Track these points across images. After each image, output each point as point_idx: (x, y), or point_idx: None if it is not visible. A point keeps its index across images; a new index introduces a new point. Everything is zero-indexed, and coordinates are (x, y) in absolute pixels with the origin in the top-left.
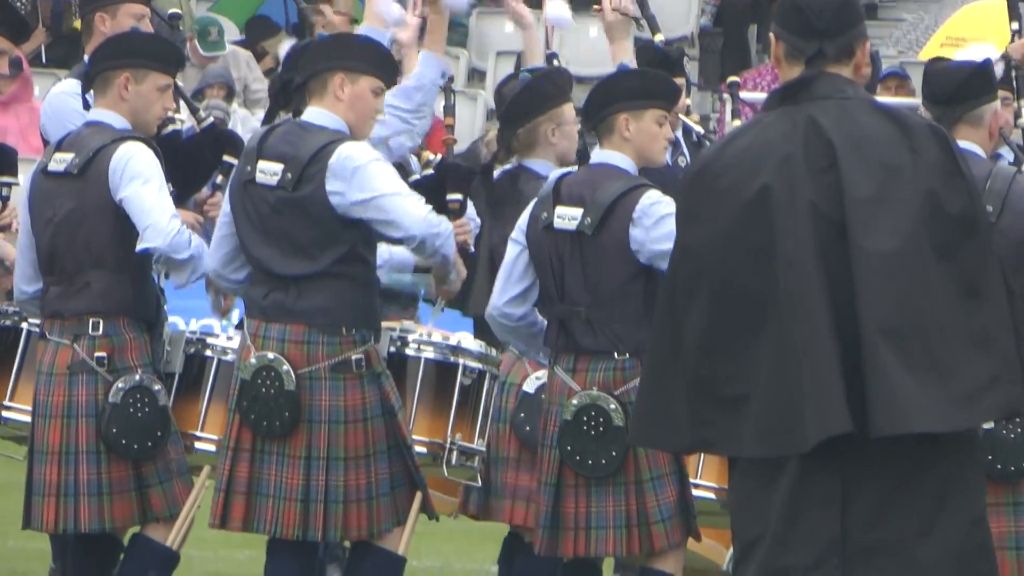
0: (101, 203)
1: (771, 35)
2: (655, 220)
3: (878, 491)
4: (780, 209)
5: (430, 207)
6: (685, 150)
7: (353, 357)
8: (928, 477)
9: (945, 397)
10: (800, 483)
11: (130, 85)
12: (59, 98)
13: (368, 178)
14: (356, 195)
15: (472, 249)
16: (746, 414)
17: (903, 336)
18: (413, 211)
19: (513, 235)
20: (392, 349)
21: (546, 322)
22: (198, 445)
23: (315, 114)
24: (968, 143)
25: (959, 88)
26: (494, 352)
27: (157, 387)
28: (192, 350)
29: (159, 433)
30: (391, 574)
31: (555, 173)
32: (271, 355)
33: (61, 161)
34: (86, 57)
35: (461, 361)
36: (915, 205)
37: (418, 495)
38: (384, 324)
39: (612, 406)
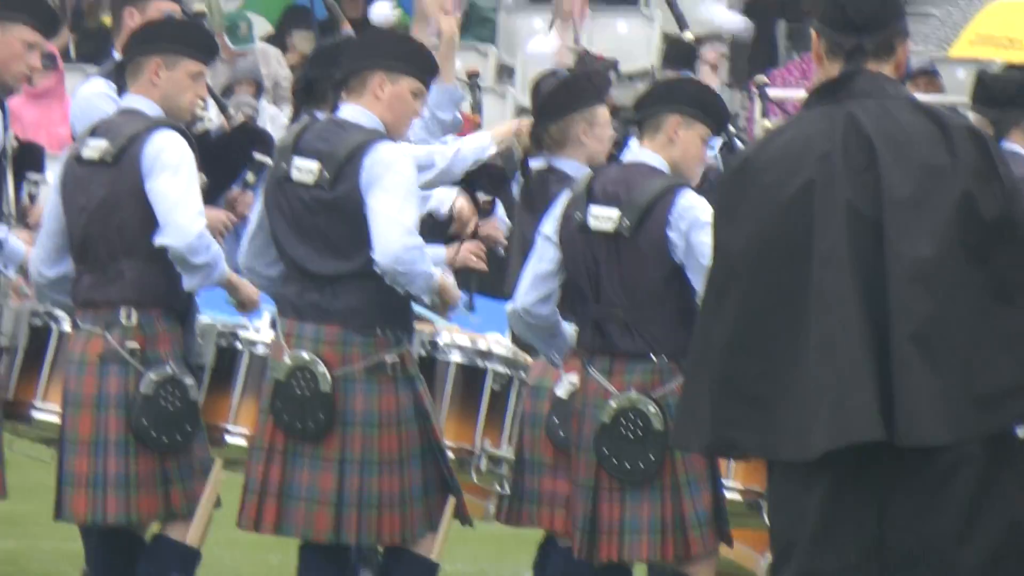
0: (134, 191)
1: (812, 31)
2: (690, 223)
3: (915, 495)
4: (818, 206)
5: (415, 244)
6: (715, 146)
7: (388, 359)
8: (964, 480)
9: (969, 402)
10: (837, 486)
11: (161, 71)
12: (87, 99)
13: (377, 185)
14: (367, 198)
15: (502, 251)
16: (773, 414)
17: (933, 342)
18: (389, 239)
19: (544, 230)
20: (421, 352)
21: (562, 322)
22: (229, 438)
23: (352, 111)
24: (1017, 146)
25: (1018, 93)
26: (523, 356)
27: (189, 380)
28: (223, 342)
29: (188, 427)
30: None
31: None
32: (307, 355)
33: (95, 148)
34: (115, 53)
35: (490, 365)
36: (952, 208)
37: (451, 500)
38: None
39: (652, 409)
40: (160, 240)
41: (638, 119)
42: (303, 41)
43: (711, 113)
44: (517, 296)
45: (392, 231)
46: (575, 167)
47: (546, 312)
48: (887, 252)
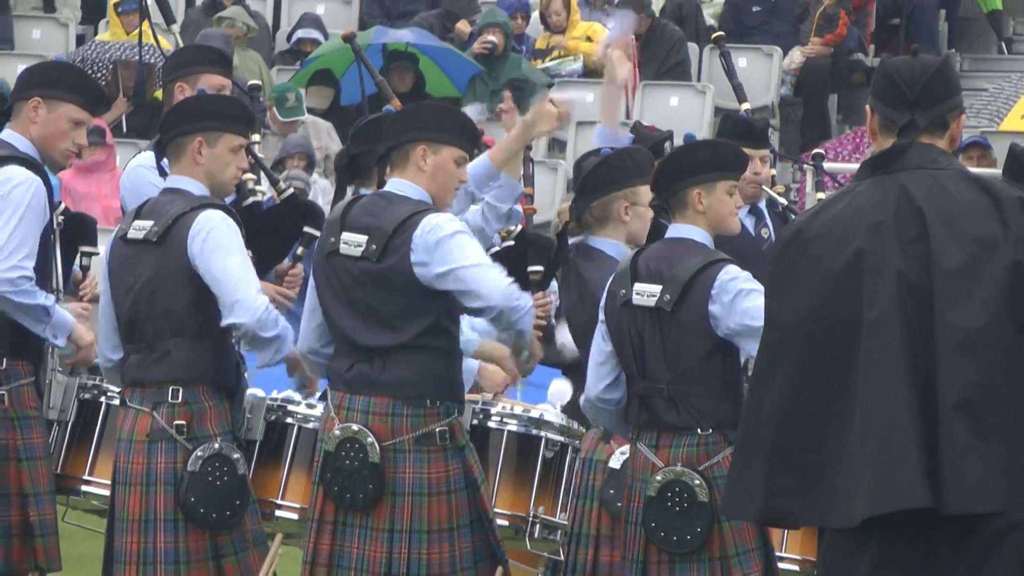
0: (180, 270)
1: (867, 108)
2: (733, 295)
3: (963, 563)
4: (868, 276)
5: (512, 280)
6: (769, 221)
7: (437, 429)
8: (1012, 548)
9: (1018, 472)
10: (884, 554)
11: (203, 149)
12: (137, 172)
13: (451, 249)
14: (439, 267)
15: (553, 322)
16: (822, 484)
17: (980, 412)
18: (493, 282)
19: (601, 317)
20: (475, 421)
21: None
22: (279, 513)
23: (398, 185)
24: None
25: None
26: (575, 424)
27: (236, 455)
28: (273, 417)
29: (238, 502)
30: None
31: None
32: (355, 427)
33: (140, 228)
34: None
35: (543, 434)
36: (1002, 279)
37: (499, 569)
38: (467, 397)
39: (696, 482)
40: (228, 320)
41: (663, 199)
42: (314, 97)
43: (728, 165)
44: (588, 388)
45: (490, 274)
46: (612, 246)
47: (618, 396)
48: (936, 322)
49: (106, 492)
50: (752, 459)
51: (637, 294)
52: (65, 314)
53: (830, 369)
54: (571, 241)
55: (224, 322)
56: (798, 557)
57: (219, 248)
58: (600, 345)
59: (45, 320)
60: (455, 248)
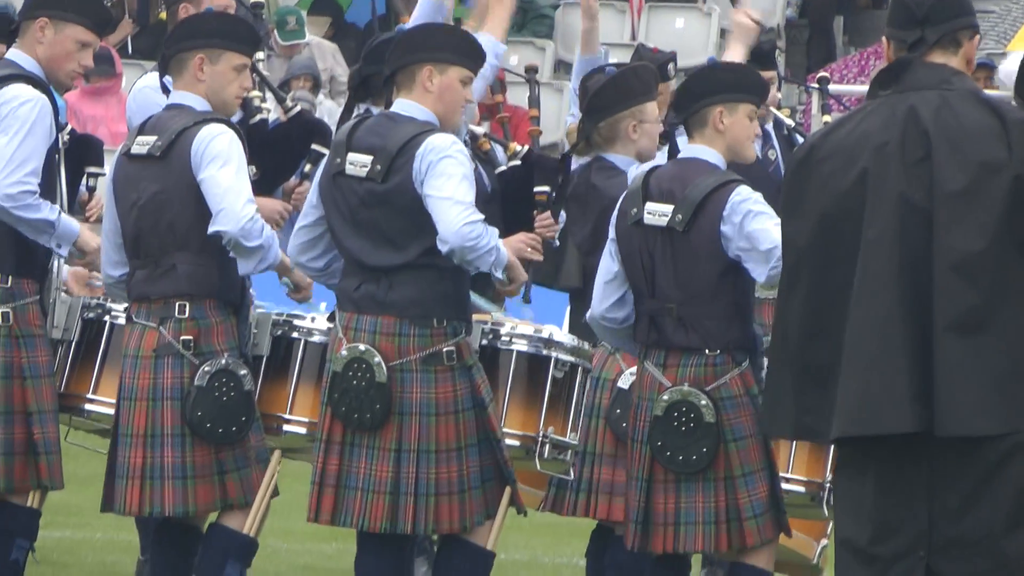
0: (184, 185)
1: (884, 39)
2: (743, 216)
3: (965, 482)
4: (871, 195)
5: (477, 219)
6: (775, 143)
7: (444, 349)
8: (1015, 469)
9: (1019, 395)
10: (889, 473)
11: (205, 66)
12: (143, 92)
13: (435, 175)
14: (423, 188)
15: (557, 243)
16: (833, 400)
17: (976, 333)
18: (452, 219)
19: (612, 235)
20: (484, 342)
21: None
22: (287, 427)
23: (404, 106)
24: None
25: None
26: (586, 345)
27: (243, 371)
28: (279, 332)
29: (243, 418)
30: (480, 568)
31: (642, 168)
32: (362, 347)
33: (144, 144)
34: None
35: (553, 354)
36: (1004, 202)
37: (507, 489)
38: (475, 317)
39: (703, 402)
40: (213, 227)
41: (683, 117)
42: (311, 26)
43: (751, 88)
44: (593, 305)
45: (452, 210)
46: (624, 161)
47: (624, 315)
48: (935, 244)
49: (110, 411)
50: (783, 377)
51: (649, 213)
52: (70, 223)
53: (841, 288)
54: (583, 159)
55: (210, 229)
56: (804, 479)
57: (215, 157)
58: (607, 264)
59: (49, 231)
60: (437, 175)
